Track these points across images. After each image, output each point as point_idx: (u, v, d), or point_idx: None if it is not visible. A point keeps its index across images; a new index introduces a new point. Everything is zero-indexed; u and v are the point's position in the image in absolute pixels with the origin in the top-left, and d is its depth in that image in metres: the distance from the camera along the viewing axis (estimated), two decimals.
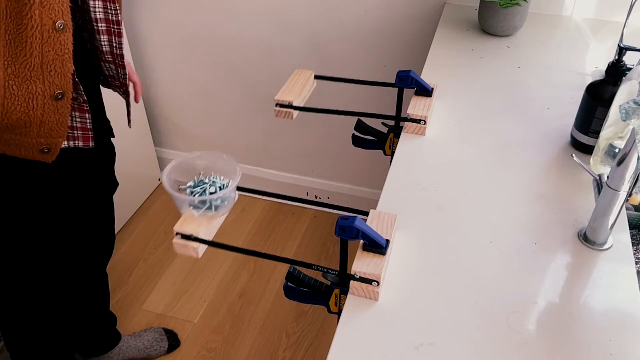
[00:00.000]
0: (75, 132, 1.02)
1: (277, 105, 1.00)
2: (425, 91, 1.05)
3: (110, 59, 1.07)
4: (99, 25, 1.01)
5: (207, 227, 0.75)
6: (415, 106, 1.03)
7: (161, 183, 2.26)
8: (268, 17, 1.74)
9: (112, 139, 1.28)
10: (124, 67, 1.09)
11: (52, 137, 0.95)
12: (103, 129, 1.23)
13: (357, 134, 1.11)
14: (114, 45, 1.04)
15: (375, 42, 1.68)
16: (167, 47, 1.94)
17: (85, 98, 0.99)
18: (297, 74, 1.07)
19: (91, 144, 1.05)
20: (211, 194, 0.76)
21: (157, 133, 2.21)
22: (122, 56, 1.06)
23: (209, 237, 0.76)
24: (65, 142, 1.02)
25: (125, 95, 1.16)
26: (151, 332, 1.67)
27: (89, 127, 1.03)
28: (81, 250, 1.32)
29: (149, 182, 2.21)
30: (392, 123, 1.06)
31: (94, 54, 1.10)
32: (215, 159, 0.79)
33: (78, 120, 1.02)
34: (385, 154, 1.09)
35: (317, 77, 1.08)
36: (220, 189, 0.76)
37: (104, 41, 1.03)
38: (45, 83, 0.89)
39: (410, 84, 1.02)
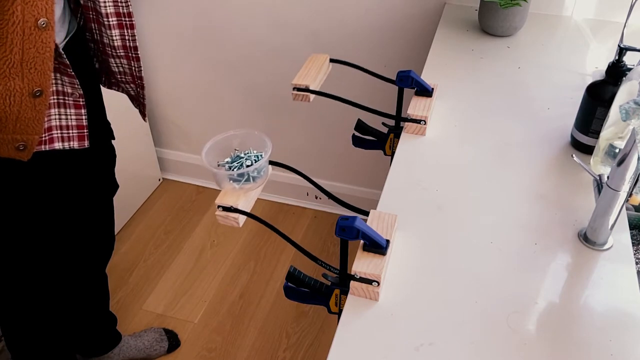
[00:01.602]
0: (70, 131, 1.00)
1: (294, 89, 1.04)
2: (425, 91, 1.05)
3: (122, 53, 1.06)
4: (110, 19, 1.00)
5: (245, 199, 0.81)
6: (415, 106, 1.03)
7: (161, 183, 2.26)
8: (268, 16, 1.74)
9: (113, 140, 1.28)
10: (138, 60, 1.08)
11: (28, 134, 0.93)
12: (103, 131, 1.23)
13: (357, 134, 1.11)
14: (127, 38, 1.03)
15: (375, 41, 1.68)
16: (167, 47, 1.94)
17: (82, 92, 0.97)
18: (313, 58, 1.10)
19: (86, 144, 1.03)
20: (247, 166, 0.81)
21: (158, 133, 2.21)
22: (135, 48, 1.06)
23: (247, 209, 0.82)
24: (60, 144, 1.00)
25: (140, 88, 1.15)
26: (151, 332, 1.67)
27: (84, 123, 1.01)
28: (80, 252, 1.32)
29: (149, 182, 2.21)
30: (392, 123, 1.06)
31: (100, 52, 1.10)
32: (247, 135, 0.86)
33: (73, 117, 0.99)
34: (385, 154, 1.09)
35: (332, 61, 1.13)
36: (255, 161, 0.83)
37: (115, 35, 1.02)
38: (24, 80, 0.87)
39: (410, 84, 1.02)
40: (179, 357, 1.66)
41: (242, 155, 0.84)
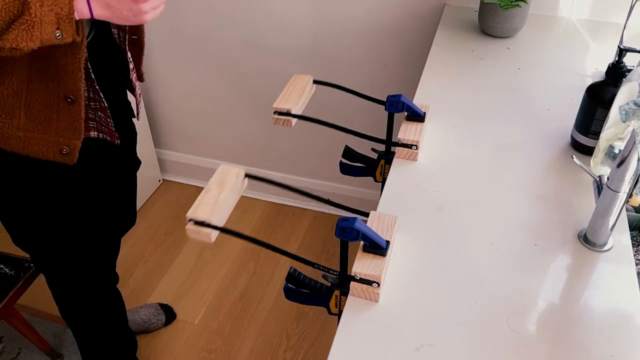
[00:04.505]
0: (104, 126, 1.06)
1: (275, 112, 0.98)
2: (416, 116, 1.00)
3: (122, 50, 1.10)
4: None
5: (219, 213, 0.75)
6: (406, 130, 0.98)
7: (161, 184, 2.26)
8: (268, 18, 1.74)
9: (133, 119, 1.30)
10: (129, 62, 1.12)
11: (69, 137, 0.97)
12: (125, 109, 1.25)
13: (344, 161, 1.06)
14: (121, 39, 1.08)
15: (375, 42, 1.68)
16: (168, 49, 1.94)
17: (106, 104, 1.03)
18: (295, 79, 1.03)
19: (117, 141, 1.09)
20: None
21: (158, 134, 2.21)
22: (125, 52, 1.10)
23: (221, 223, 0.76)
24: (94, 132, 1.06)
25: (130, 89, 1.19)
26: (147, 307, 1.71)
27: (112, 129, 1.07)
28: (105, 224, 1.33)
29: (150, 183, 2.21)
30: (382, 147, 1.01)
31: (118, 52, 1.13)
32: None
33: (103, 120, 1.05)
34: (375, 180, 1.04)
35: (315, 82, 1.04)
36: None
37: (114, 34, 1.08)
38: (59, 84, 0.92)
39: (400, 108, 0.98)
40: (179, 357, 1.66)
41: None
